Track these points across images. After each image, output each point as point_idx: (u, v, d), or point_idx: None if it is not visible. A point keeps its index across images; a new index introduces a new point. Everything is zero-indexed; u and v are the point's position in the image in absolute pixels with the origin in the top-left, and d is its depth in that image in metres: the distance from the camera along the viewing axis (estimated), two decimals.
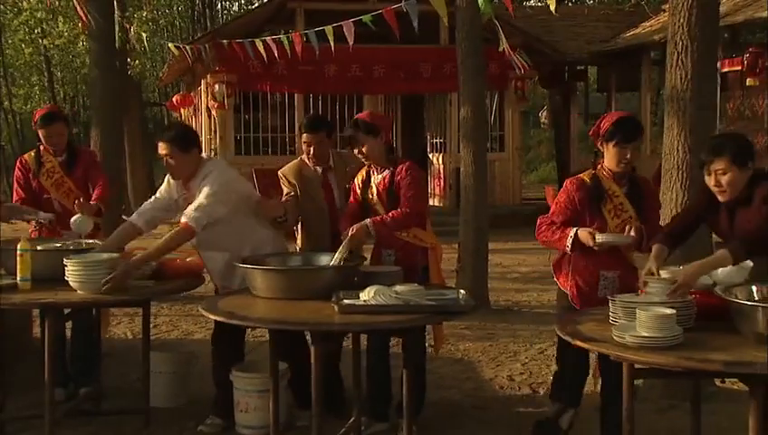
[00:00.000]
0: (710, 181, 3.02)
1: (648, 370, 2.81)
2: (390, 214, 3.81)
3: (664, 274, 3.14)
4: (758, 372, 2.51)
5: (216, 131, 13.09)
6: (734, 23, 10.83)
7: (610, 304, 2.98)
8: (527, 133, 24.81)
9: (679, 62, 4.24)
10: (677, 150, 4.28)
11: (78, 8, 8.14)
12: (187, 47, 10.49)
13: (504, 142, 13.90)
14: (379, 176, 3.92)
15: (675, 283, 2.95)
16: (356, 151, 3.89)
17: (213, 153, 13.35)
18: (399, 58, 12.85)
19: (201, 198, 3.73)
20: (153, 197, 4.05)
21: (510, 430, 4.03)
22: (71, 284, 3.57)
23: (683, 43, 4.21)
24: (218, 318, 3.22)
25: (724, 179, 2.98)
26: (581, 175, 3.59)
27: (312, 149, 4.18)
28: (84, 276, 3.52)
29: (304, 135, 4.18)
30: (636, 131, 3.40)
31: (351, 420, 3.79)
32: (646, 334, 2.70)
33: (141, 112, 22.56)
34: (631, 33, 14.50)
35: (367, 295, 3.23)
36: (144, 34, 11.41)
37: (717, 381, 4.47)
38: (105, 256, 3.66)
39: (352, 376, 3.77)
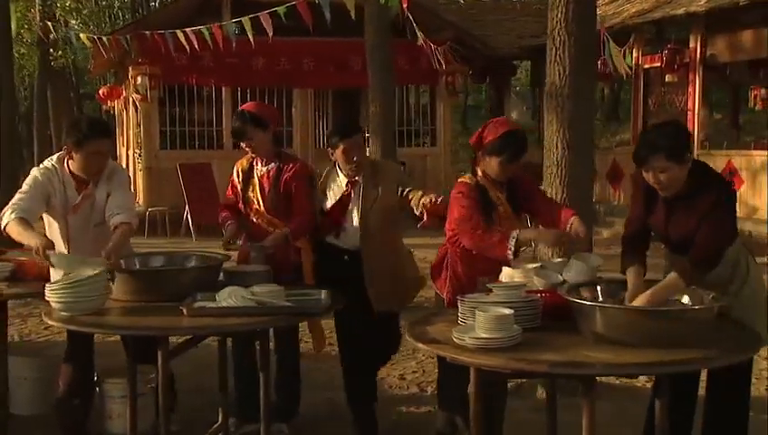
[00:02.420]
0: (649, 178, 2.88)
1: (495, 372, 2.77)
2: (297, 221, 3.77)
3: (517, 275, 3.12)
4: (581, 374, 2.49)
5: (141, 125, 12.80)
6: (653, 19, 10.98)
7: (459, 305, 2.93)
8: (475, 127, 25.00)
9: (557, 57, 4.23)
10: (557, 146, 4.28)
11: None
12: (104, 38, 10.24)
13: (436, 137, 13.90)
14: (264, 168, 3.85)
15: (522, 285, 2.93)
16: (243, 145, 3.80)
17: (139, 147, 13.06)
18: (329, 51, 12.72)
19: (124, 197, 3.62)
20: (26, 193, 3.62)
21: (383, 432, 3.97)
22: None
23: (560, 39, 4.20)
24: (55, 323, 3.08)
25: (664, 177, 2.84)
26: (465, 178, 3.46)
27: (354, 156, 3.67)
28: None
29: (341, 143, 3.67)
30: (522, 150, 3.31)
31: (218, 422, 3.70)
32: (484, 335, 2.66)
33: (75, 105, 22.06)
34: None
35: (222, 297, 3.14)
36: (73, 22, 11.07)
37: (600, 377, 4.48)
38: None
39: (219, 378, 3.68)
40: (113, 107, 16.07)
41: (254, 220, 3.88)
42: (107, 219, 3.58)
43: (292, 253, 3.83)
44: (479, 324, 2.68)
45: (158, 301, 3.21)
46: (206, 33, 9.57)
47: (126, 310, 3.20)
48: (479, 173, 3.40)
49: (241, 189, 3.89)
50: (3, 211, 3.51)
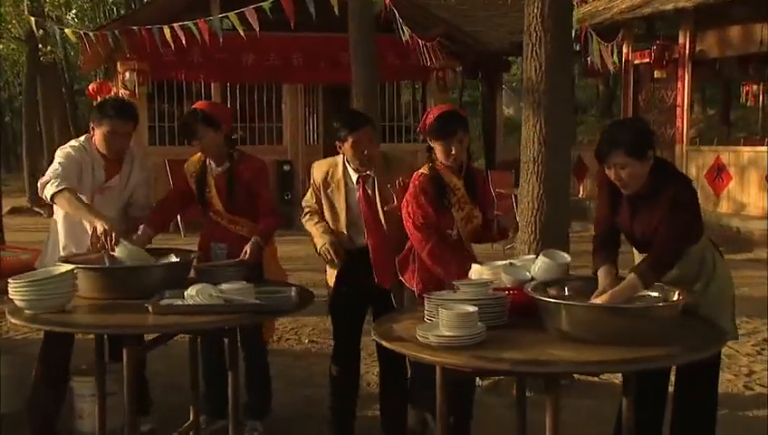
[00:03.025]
0: (611, 175, 2.86)
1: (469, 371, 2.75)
2: (264, 224, 3.75)
3: (486, 272, 3.10)
4: (544, 372, 2.47)
5: None
6: (643, 15, 10.95)
7: (425, 302, 2.91)
8: (471, 124, 25.00)
9: (533, 53, 4.20)
10: (533, 142, 4.25)
11: None
12: (90, 34, 10.18)
13: None
14: (218, 169, 3.80)
15: (489, 283, 2.91)
16: (193, 143, 3.75)
17: None
18: (319, 47, 12.68)
19: (148, 193, 3.80)
20: (64, 166, 3.56)
21: (359, 431, 3.95)
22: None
23: (537, 34, 4.18)
24: (17, 321, 3.05)
25: (624, 174, 2.81)
26: (421, 170, 3.47)
27: (364, 150, 3.48)
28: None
29: (350, 136, 3.48)
30: (456, 125, 3.30)
31: (189, 420, 3.67)
32: (447, 333, 2.64)
33: (68, 101, 21.95)
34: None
35: (189, 294, 3.11)
36: (69, 17, 11.02)
37: (576, 374, 4.47)
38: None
39: (190, 376, 3.66)
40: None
41: (216, 221, 3.85)
42: (129, 209, 3.76)
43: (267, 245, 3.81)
44: (443, 322, 2.65)
45: (126, 298, 3.17)
46: (194, 29, 9.53)
47: (91, 308, 3.16)
48: (436, 161, 3.39)
49: (197, 191, 3.83)
50: (42, 181, 3.52)
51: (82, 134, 3.80)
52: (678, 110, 10.95)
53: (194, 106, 3.82)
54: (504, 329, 2.80)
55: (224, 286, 3.18)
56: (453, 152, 3.30)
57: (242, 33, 8.92)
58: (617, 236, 3.04)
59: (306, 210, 3.75)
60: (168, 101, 12.80)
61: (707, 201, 10.57)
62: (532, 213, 4.28)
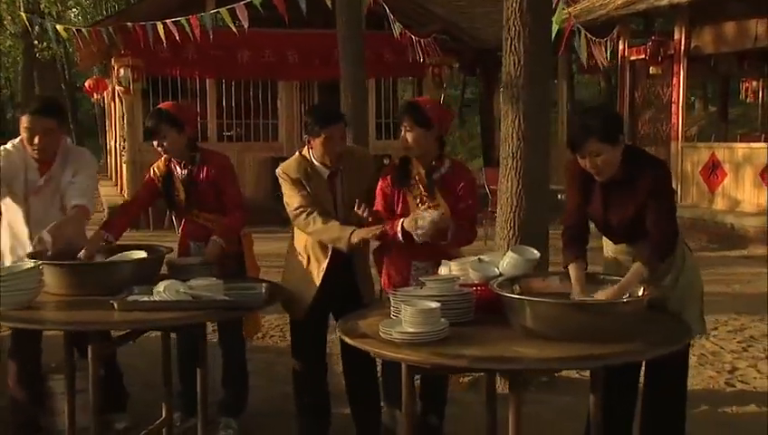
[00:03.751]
0: (586, 164, 2.86)
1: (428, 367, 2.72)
2: (229, 220, 3.72)
3: (455, 268, 3.08)
4: (503, 368, 2.44)
5: (124, 117, 12.74)
6: (637, 11, 10.89)
7: (391, 298, 2.89)
8: (472, 120, 25.01)
9: (512, 47, 4.16)
10: (512, 138, 4.22)
11: None
12: (83, 30, 10.17)
13: None
14: (183, 171, 3.77)
15: (456, 279, 2.89)
16: (155, 144, 3.72)
17: (123, 140, 13.00)
18: (314, 43, 12.64)
19: (83, 182, 3.50)
20: None
21: (336, 431, 3.92)
22: None
23: (515, 29, 4.14)
24: None
25: (600, 160, 2.82)
26: (395, 160, 3.50)
27: (336, 146, 3.43)
28: None
29: (322, 131, 3.40)
30: (403, 115, 3.32)
31: (162, 417, 3.65)
32: (410, 330, 2.62)
33: (66, 97, 21.94)
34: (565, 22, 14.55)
35: (157, 291, 3.09)
36: (72, 13, 11.02)
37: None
38: None
39: (162, 373, 3.63)
40: (102, 99, 16.01)
41: (192, 219, 3.84)
42: (65, 203, 3.51)
43: (231, 243, 3.78)
44: (405, 319, 2.63)
45: (95, 295, 3.15)
46: (186, 25, 9.53)
47: (58, 304, 3.15)
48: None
49: (164, 193, 3.81)
50: None
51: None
52: (674, 106, 10.89)
53: (159, 106, 3.80)
54: (470, 325, 2.78)
55: (192, 283, 3.16)
56: (408, 142, 3.31)
57: (234, 30, 8.94)
58: (586, 230, 3.03)
59: (300, 212, 3.49)
60: (163, 98, 12.74)
61: (702, 198, 10.52)
62: (511, 209, 4.25)
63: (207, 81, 12.76)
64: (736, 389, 4.47)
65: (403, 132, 3.33)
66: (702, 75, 15.13)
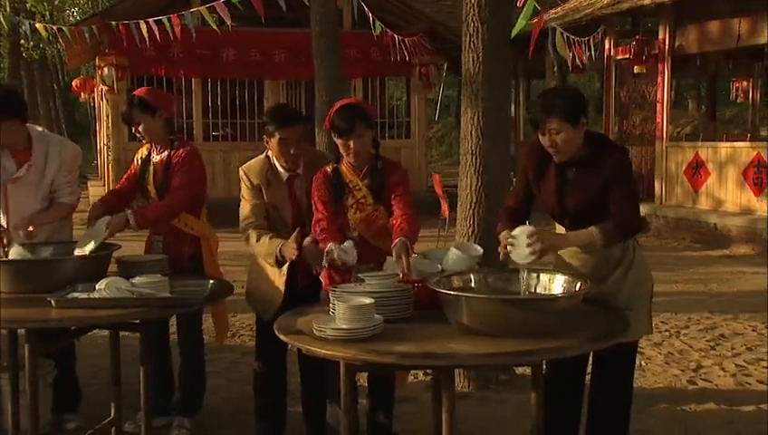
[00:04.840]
0: (545, 142, 2.84)
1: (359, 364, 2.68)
2: (153, 205, 3.72)
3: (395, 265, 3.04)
4: (433, 365, 2.41)
5: (109, 116, 12.71)
6: (621, 10, 10.86)
7: (330, 295, 2.85)
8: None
9: (471, 44, 4.13)
10: (471, 135, 4.18)
11: None
12: (65, 29, 10.12)
13: (411, 129, 13.80)
14: (158, 156, 3.79)
15: (395, 275, 2.85)
16: (133, 130, 3.77)
17: (107, 139, 12.95)
18: (300, 42, 12.56)
19: (68, 176, 3.64)
20: None
21: (291, 431, 3.88)
22: None
23: (474, 25, 4.11)
24: None
25: (559, 139, 2.80)
26: (325, 168, 3.31)
27: (291, 149, 3.33)
28: None
29: (277, 132, 3.31)
30: (354, 120, 3.11)
31: (110, 417, 3.61)
32: (344, 326, 2.58)
33: (58, 96, 21.93)
34: (535, 20, 14.51)
35: (98, 288, 3.06)
36: (68, 12, 10.97)
37: (520, 369, 4.41)
38: None
39: (111, 372, 3.60)
40: (92, 98, 15.97)
41: None
42: (55, 197, 3.63)
43: (186, 243, 3.76)
44: (338, 315, 2.60)
45: (38, 292, 3.10)
46: (167, 24, 9.47)
47: (7, 301, 3.10)
48: (342, 158, 3.25)
49: (138, 178, 3.83)
50: None
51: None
52: (658, 105, 10.85)
53: (133, 93, 3.83)
54: (408, 322, 2.75)
55: (136, 280, 3.13)
56: (352, 148, 3.15)
57: (215, 28, 8.87)
58: (527, 212, 3.05)
59: (246, 226, 3.39)
60: None
61: (686, 198, 10.49)
62: (471, 206, 4.21)
63: (193, 80, 12.72)
64: (698, 386, 4.43)
65: (352, 140, 3.15)
66: (690, 75, 15.07)
